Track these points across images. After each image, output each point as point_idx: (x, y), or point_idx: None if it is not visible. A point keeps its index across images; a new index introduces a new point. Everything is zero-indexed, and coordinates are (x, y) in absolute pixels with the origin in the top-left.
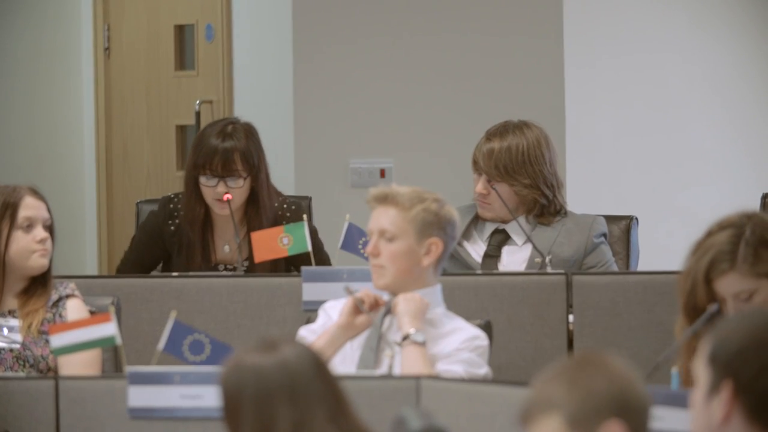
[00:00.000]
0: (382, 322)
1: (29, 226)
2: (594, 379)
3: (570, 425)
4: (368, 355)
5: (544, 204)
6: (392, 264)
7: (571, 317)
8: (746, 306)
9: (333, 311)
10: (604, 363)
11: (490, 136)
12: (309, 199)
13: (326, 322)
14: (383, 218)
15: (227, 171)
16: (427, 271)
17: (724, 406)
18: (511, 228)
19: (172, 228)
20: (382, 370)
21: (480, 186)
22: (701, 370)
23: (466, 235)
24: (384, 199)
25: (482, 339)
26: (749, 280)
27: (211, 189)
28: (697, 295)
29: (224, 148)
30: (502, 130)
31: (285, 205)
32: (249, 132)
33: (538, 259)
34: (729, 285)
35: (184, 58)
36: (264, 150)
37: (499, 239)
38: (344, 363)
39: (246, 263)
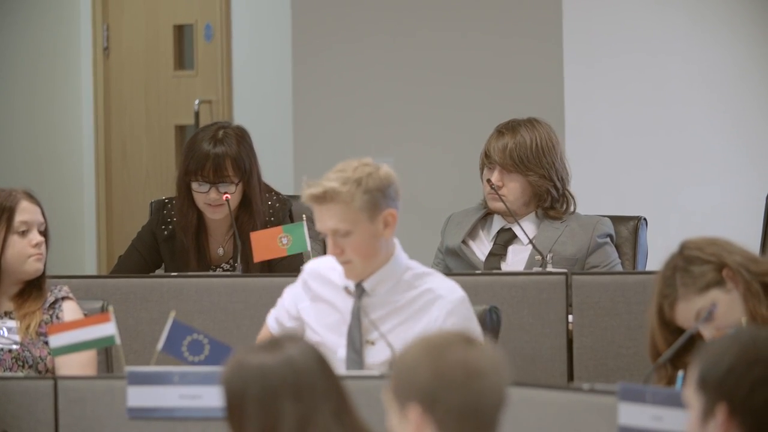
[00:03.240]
0: (358, 314)
1: (25, 231)
2: (420, 363)
3: (392, 391)
4: (353, 358)
5: (554, 196)
6: (358, 255)
7: (570, 317)
8: (715, 320)
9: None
10: (446, 351)
11: (501, 130)
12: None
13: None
14: (330, 220)
15: (219, 177)
16: (389, 240)
17: (720, 429)
18: (517, 227)
19: (166, 233)
20: (373, 360)
21: (495, 176)
22: (692, 397)
23: (473, 234)
24: (323, 199)
25: (459, 304)
26: (697, 299)
27: (204, 195)
28: (657, 342)
29: (215, 154)
30: (514, 124)
31: (270, 202)
32: (240, 136)
33: (538, 257)
34: (683, 313)
35: (183, 57)
36: (256, 153)
37: (506, 238)
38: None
39: (240, 267)
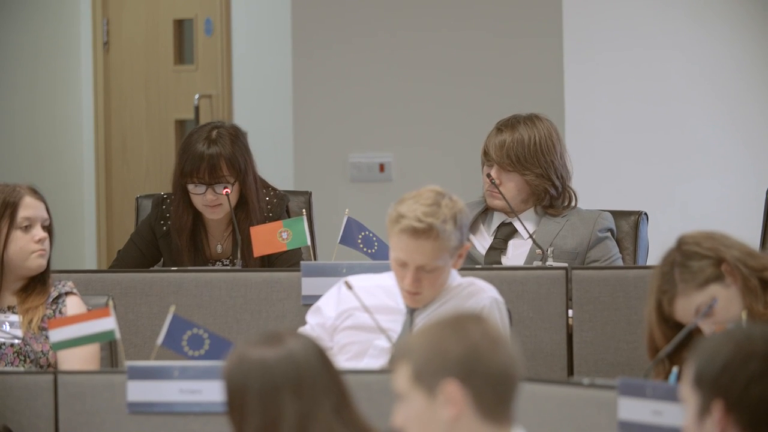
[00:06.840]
0: (410, 324)
1: (28, 227)
2: (446, 339)
3: (414, 377)
4: None
5: (553, 195)
6: (432, 288)
7: (570, 312)
8: (715, 315)
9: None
10: (465, 325)
11: (501, 127)
12: (309, 194)
13: (329, 317)
14: (423, 257)
15: (214, 178)
16: None
17: (717, 426)
18: (518, 222)
19: (164, 229)
20: None
21: (494, 173)
22: (688, 395)
23: (473, 228)
24: (424, 235)
25: (498, 302)
26: (697, 295)
27: (200, 197)
28: (655, 337)
29: (210, 155)
30: (513, 121)
31: (267, 198)
32: (234, 136)
33: (538, 251)
34: (683, 309)
35: (183, 52)
36: (251, 150)
37: (506, 232)
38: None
39: (239, 263)
